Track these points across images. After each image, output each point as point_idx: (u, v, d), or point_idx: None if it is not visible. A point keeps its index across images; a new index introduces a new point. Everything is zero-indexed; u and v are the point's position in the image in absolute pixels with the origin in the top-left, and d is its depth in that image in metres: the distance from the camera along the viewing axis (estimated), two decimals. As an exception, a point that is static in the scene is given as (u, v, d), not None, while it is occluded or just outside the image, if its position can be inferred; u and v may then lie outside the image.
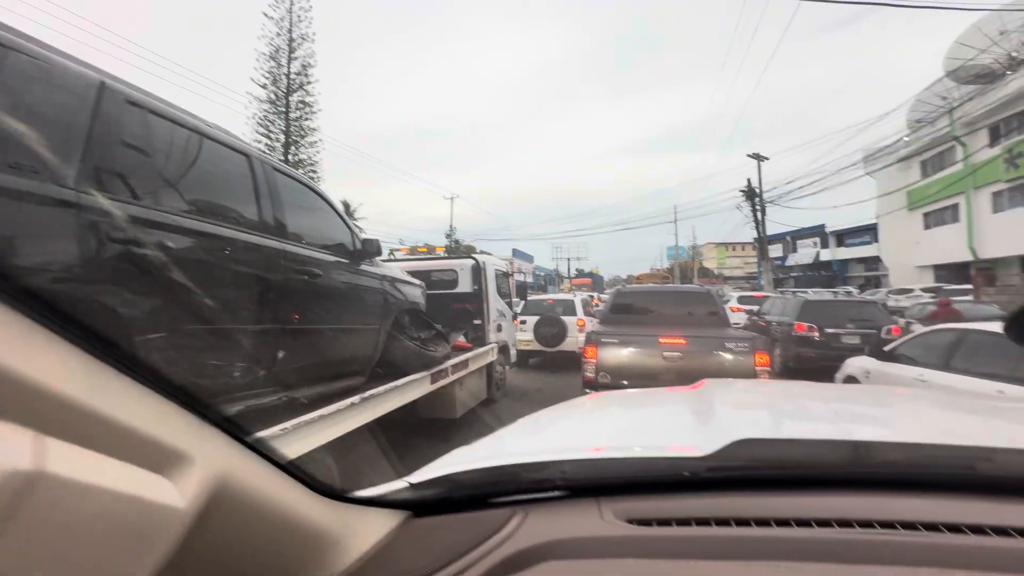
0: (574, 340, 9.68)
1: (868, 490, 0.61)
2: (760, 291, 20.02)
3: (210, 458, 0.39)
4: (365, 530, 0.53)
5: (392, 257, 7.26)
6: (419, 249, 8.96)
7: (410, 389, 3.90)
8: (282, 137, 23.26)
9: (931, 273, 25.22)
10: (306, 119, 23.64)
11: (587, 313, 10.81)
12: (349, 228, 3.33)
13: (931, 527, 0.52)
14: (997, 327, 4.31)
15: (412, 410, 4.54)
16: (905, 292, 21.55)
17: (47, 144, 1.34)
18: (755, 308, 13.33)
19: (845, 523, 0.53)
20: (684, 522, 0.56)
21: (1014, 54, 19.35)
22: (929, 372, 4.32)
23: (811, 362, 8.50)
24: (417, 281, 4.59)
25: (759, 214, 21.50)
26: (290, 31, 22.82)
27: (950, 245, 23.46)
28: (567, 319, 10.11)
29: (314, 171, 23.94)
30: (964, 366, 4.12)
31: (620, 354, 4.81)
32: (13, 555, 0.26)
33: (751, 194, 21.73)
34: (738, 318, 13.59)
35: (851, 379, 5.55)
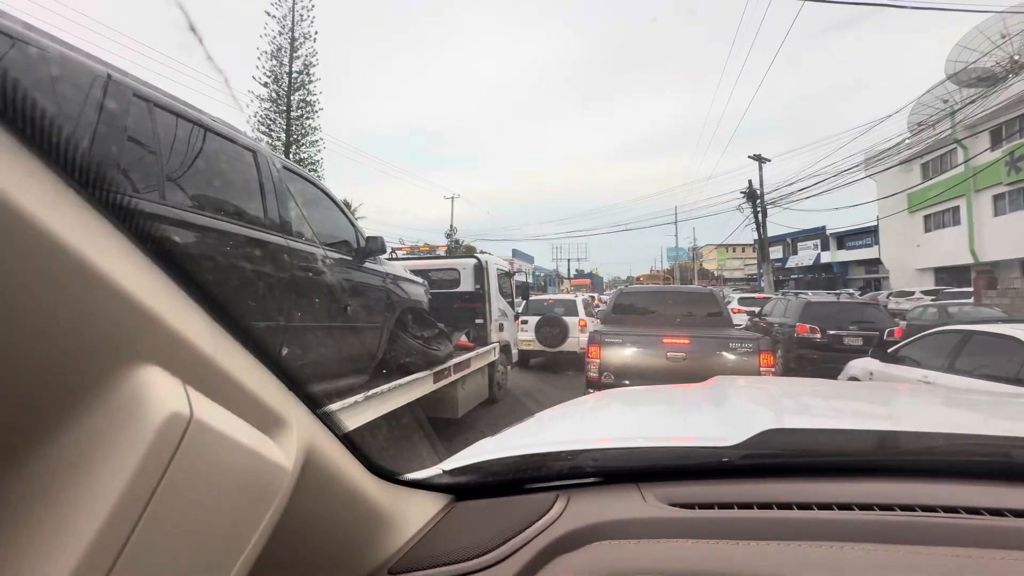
0: (575, 340, 9.67)
1: (902, 478, 0.61)
2: (760, 292, 20.01)
3: (301, 425, 0.42)
4: (416, 512, 0.55)
5: (395, 256, 7.24)
6: (421, 248, 8.94)
7: (413, 388, 3.88)
8: (283, 136, 23.24)
9: (932, 276, 25.24)
10: (307, 118, 23.64)
11: (588, 314, 10.80)
12: (354, 226, 3.31)
13: (973, 511, 0.52)
14: (1001, 328, 4.30)
15: (413, 409, 4.55)
16: (906, 295, 21.56)
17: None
18: (756, 309, 13.33)
19: (887, 507, 0.54)
20: (726, 506, 0.57)
21: (1016, 57, 19.37)
22: (933, 374, 4.31)
23: (813, 363, 8.49)
24: (420, 280, 4.58)
25: (760, 216, 21.50)
26: (292, 30, 22.80)
27: (951, 248, 23.47)
28: (569, 319, 10.09)
29: (315, 170, 23.93)
30: (969, 368, 4.11)
31: (624, 354, 4.79)
32: (171, 496, 0.28)
33: (752, 196, 21.73)
34: (739, 319, 13.61)
35: (854, 380, 5.54)
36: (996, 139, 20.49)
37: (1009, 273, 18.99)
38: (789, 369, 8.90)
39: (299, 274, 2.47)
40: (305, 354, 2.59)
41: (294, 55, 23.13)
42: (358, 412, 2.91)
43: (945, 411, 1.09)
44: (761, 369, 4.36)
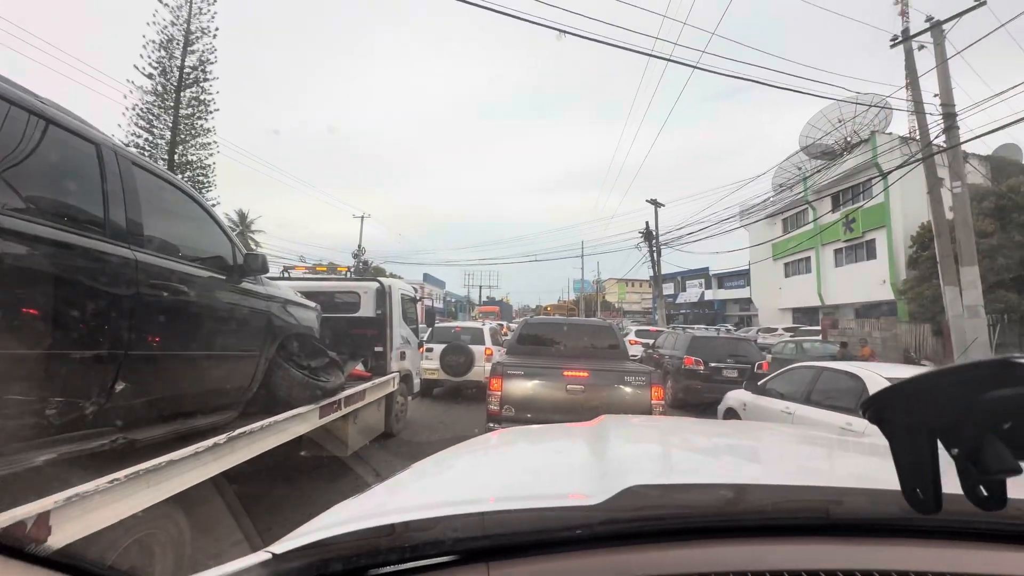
0: (481, 369, 9.53)
1: (745, 537, 0.62)
2: (655, 326, 21.61)
3: None
4: None
5: (285, 276, 6.62)
6: (318, 268, 8.31)
7: (294, 424, 3.47)
8: (168, 134, 20.79)
9: (791, 315, 29.19)
10: (199, 118, 21.45)
11: (496, 342, 10.76)
12: (230, 240, 2.92)
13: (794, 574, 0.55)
14: (844, 366, 4.99)
15: (296, 448, 4.06)
16: (771, 331, 24.63)
17: None
18: (651, 341, 14.31)
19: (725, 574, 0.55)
20: None
21: (847, 139, 23.71)
22: (793, 405, 4.85)
23: (698, 394, 9.22)
24: (311, 303, 4.19)
25: (655, 254, 23.45)
26: (188, 22, 20.81)
27: (804, 292, 27.46)
28: (475, 348, 9.96)
29: (205, 175, 21.65)
30: (820, 399, 4.68)
31: (525, 387, 4.76)
32: None
33: (648, 236, 23.70)
34: (636, 350, 14.50)
35: (731, 411, 6.06)
36: (836, 203, 24.68)
37: (846, 315, 22.61)
38: (678, 399, 9.58)
39: (146, 293, 2.07)
40: (148, 388, 2.16)
41: (189, 49, 21.06)
42: (214, 460, 2.49)
43: (788, 459, 1.15)
44: (653, 403, 4.57)
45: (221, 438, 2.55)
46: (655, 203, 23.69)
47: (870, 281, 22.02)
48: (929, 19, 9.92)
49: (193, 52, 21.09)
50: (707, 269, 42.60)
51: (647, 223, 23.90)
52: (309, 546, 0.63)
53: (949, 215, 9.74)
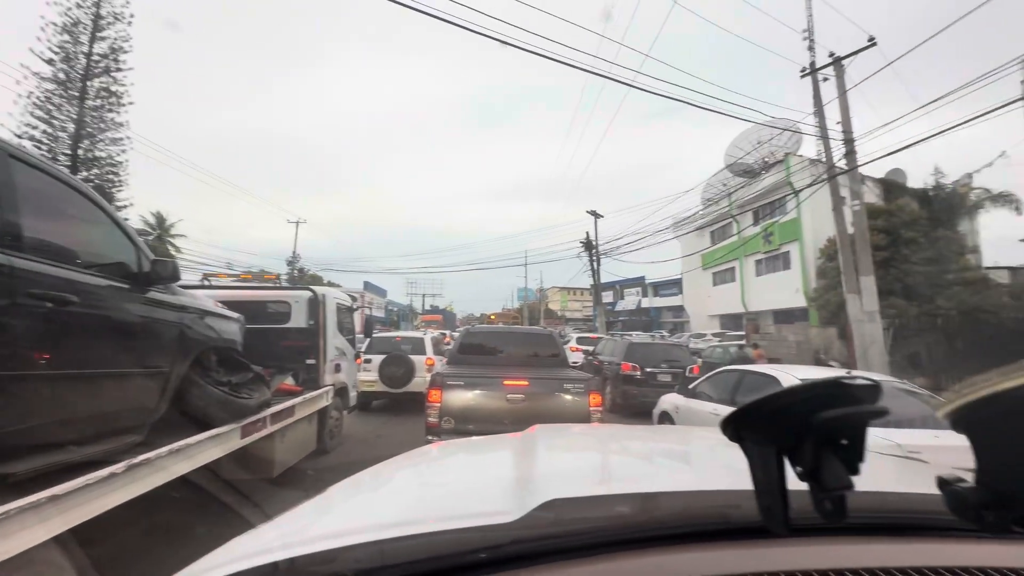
0: (422, 380, 9.30)
1: (656, 546, 0.63)
2: (595, 333, 22.22)
3: None
4: None
5: (205, 283, 6.12)
6: (243, 276, 7.78)
7: (211, 446, 3.18)
8: (71, 127, 18.74)
9: (718, 321, 31.15)
10: (110, 111, 19.53)
11: (437, 352, 10.56)
12: (134, 244, 2.64)
13: None
14: (765, 368, 5.36)
15: (215, 471, 3.73)
16: (701, 336, 26.13)
17: None
18: (591, 348, 14.68)
19: None
20: None
21: (766, 159, 25.85)
22: (721, 407, 5.13)
23: (635, 398, 9.54)
24: (234, 314, 3.89)
25: (595, 264, 24.20)
26: (97, 5, 18.96)
27: (730, 299, 29.43)
28: (415, 358, 9.71)
29: (115, 173, 19.72)
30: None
31: (464, 397, 4.69)
32: None
33: (588, 246, 24.44)
34: (577, 357, 14.81)
35: (665, 414, 6.32)
36: (756, 217, 26.76)
37: (766, 320, 24.48)
38: (617, 404, 9.87)
39: (22, 303, 1.81)
40: (23, 413, 1.88)
41: (98, 35, 19.18)
42: (110, 491, 2.22)
43: (706, 464, 1.20)
44: (591, 408, 4.66)
45: (119, 466, 2.27)
46: (595, 214, 24.50)
47: (786, 289, 24.00)
48: (831, 55, 11.07)
49: (103, 38, 19.25)
50: (644, 278, 44.59)
51: (587, 233, 24.66)
52: None
53: (851, 230, 10.84)
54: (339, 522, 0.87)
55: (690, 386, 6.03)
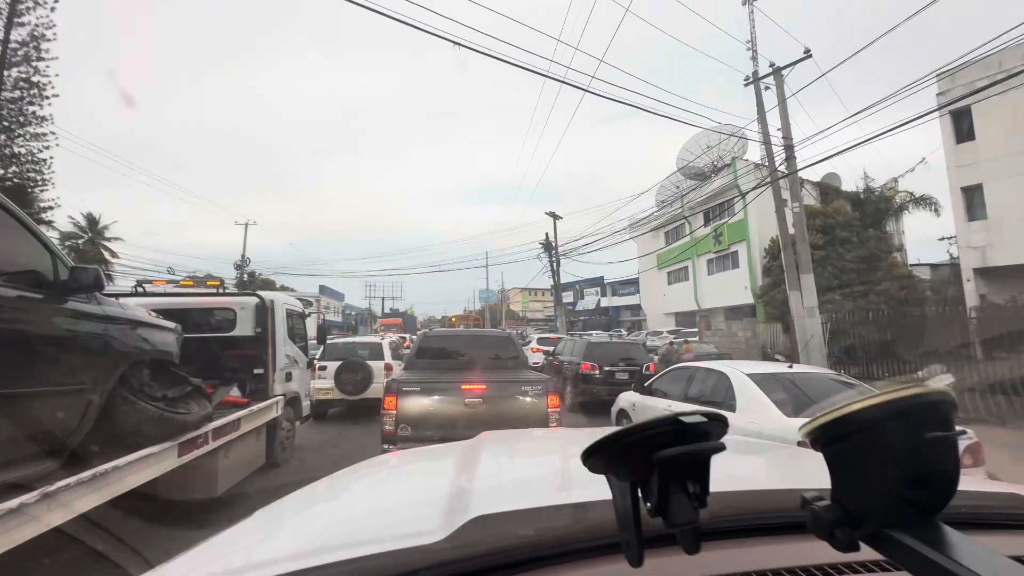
0: (380, 386, 9.08)
1: (587, 558, 0.63)
2: (556, 333, 22.46)
3: None
4: None
5: (138, 290, 5.71)
6: (183, 282, 7.33)
7: (143, 467, 2.96)
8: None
9: (674, 319, 32.24)
10: (31, 103, 17.94)
11: (396, 356, 10.34)
12: (49, 250, 2.41)
13: None
14: (715, 365, 5.56)
15: (152, 492, 3.47)
16: (657, 334, 26.95)
17: None
18: (551, 348, 14.81)
19: None
20: None
21: (715, 163, 27.02)
22: (675, 403, 5.28)
23: (594, 396, 9.69)
24: (169, 324, 3.64)
25: (554, 265, 24.48)
26: (13, -12, 17.37)
27: (684, 298, 30.53)
28: (373, 364, 9.47)
29: (38, 170, 18.15)
30: (696, 396, 5.17)
31: (421, 403, 4.60)
32: None
33: (548, 247, 24.68)
34: (537, 358, 14.91)
35: (623, 412, 6.44)
36: (707, 218, 27.91)
37: (717, 317, 25.55)
38: (577, 403, 9.99)
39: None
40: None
41: (16, 19, 17.57)
42: (24, 522, 2.01)
43: None
44: (549, 410, 4.68)
45: (31, 495, 2.07)
46: (553, 215, 24.78)
47: (735, 287, 25.16)
48: (772, 65, 11.70)
49: (22, 24, 17.66)
50: (602, 278, 45.52)
51: (547, 234, 24.91)
52: None
53: (792, 230, 11.48)
54: (262, 549, 0.83)
55: (646, 384, 6.18)
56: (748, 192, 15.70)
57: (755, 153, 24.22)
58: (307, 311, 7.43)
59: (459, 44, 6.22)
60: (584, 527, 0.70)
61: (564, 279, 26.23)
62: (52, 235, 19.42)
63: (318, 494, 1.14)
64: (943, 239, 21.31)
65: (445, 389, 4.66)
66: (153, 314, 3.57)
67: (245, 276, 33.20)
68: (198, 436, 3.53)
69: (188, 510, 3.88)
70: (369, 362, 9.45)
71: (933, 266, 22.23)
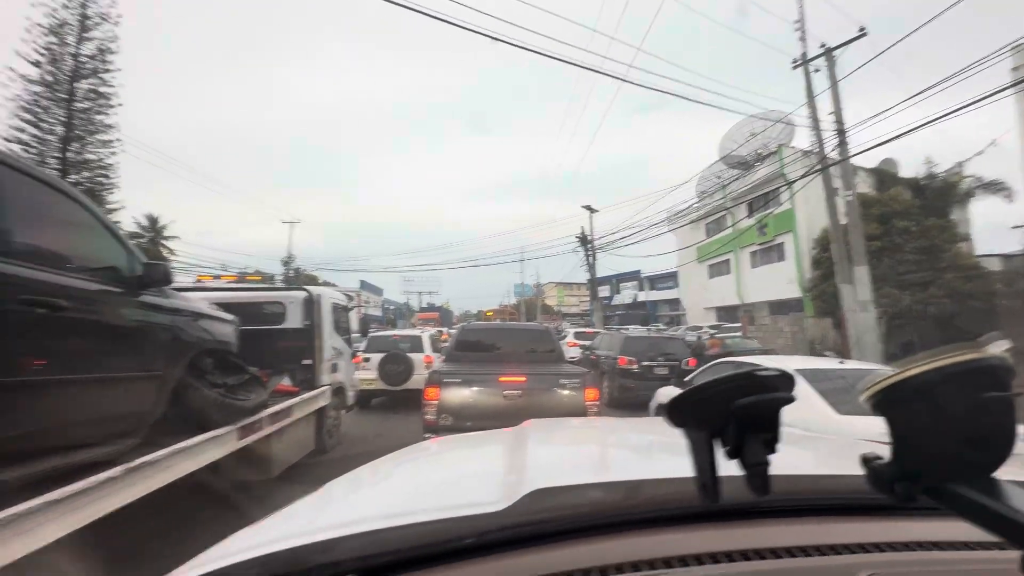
0: (421, 378, 9.33)
1: (640, 528, 0.68)
2: (592, 328, 22.28)
3: None
4: None
5: (198, 285, 6.10)
6: (223, 277, 7.75)
7: (208, 448, 3.19)
8: (60, 130, 18.56)
9: (714, 313, 31.28)
10: (99, 113, 19.35)
11: (435, 349, 10.59)
12: (126, 248, 2.64)
13: (683, 560, 0.62)
14: (759, 360, 5.40)
15: (216, 471, 3.74)
16: (696, 329, 26.24)
17: None
18: (588, 343, 14.73)
19: (620, 568, 0.61)
20: None
21: (759, 151, 25.89)
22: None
23: (632, 392, 9.59)
24: (228, 316, 3.89)
25: (590, 258, 24.23)
26: (83, 5, 18.75)
27: (726, 292, 29.55)
28: (414, 356, 9.74)
29: (106, 175, 19.58)
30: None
31: (462, 394, 4.71)
32: None
33: (584, 240, 24.45)
34: (574, 352, 14.87)
35: (662, 407, 6.37)
36: (751, 209, 26.83)
37: (761, 312, 24.60)
38: (614, 398, 9.91)
39: (18, 309, 1.81)
40: (17, 419, 1.89)
41: (85, 36, 18.97)
42: (109, 494, 2.23)
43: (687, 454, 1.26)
44: (587, 403, 4.69)
45: (117, 470, 2.28)
46: (589, 209, 24.50)
47: (781, 280, 24.11)
48: (823, 46, 11.09)
49: (89, 39, 19.04)
50: (639, 272, 44.64)
51: (582, 228, 24.67)
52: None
53: (844, 220, 10.89)
54: (336, 515, 0.90)
55: (685, 379, 6.08)
56: (795, 181, 14.98)
57: (803, 140, 23.02)
58: (351, 305, 7.72)
59: (496, 39, 6.26)
60: (640, 501, 0.74)
61: (600, 273, 25.95)
62: (119, 235, 20.94)
63: (378, 471, 1.22)
64: (1016, 227, 19.61)
65: (485, 381, 4.76)
66: (214, 307, 3.82)
67: (291, 272, 34.70)
68: (256, 421, 3.77)
69: (247, 489, 4.15)
70: (410, 354, 9.72)
71: (1005, 256, 20.50)
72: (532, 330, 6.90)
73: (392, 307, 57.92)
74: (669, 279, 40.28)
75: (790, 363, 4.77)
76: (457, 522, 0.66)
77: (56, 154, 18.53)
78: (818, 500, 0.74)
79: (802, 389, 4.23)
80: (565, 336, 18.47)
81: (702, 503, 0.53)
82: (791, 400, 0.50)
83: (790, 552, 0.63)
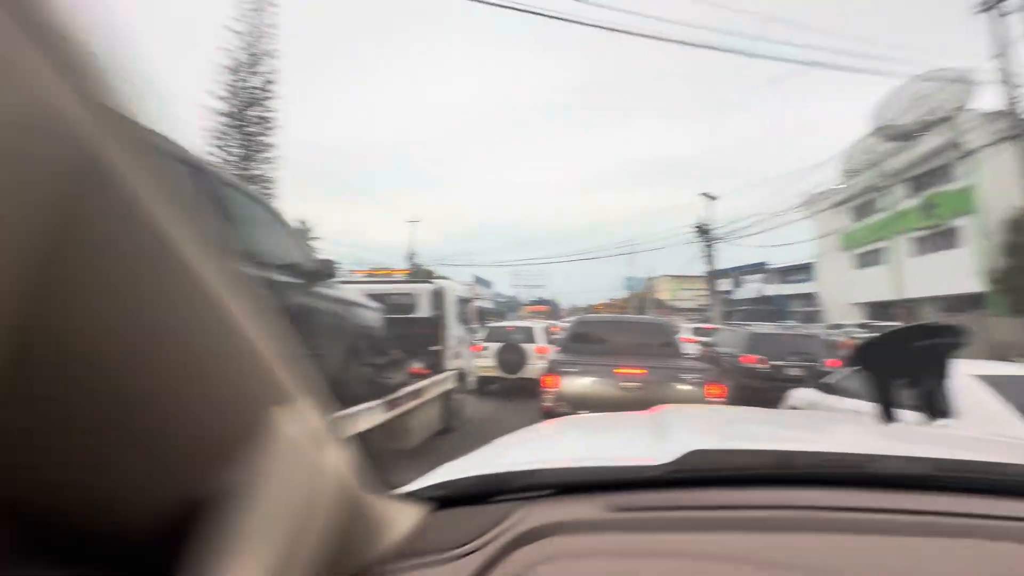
0: (533, 367, 9.67)
1: (800, 486, 0.74)
2: (709, 323, 20.84)
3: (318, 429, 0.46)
4: (401, 518, 0.66)
5: (350, 278, 7.04)
6: (375, 272, 8.77)
7: (363, 418, 3.73)
8: (237, 151, 22.49)
9: (861, 310, 27.17)
10: (263, 135, 23.06)
11: (547, 341, 10.87)
12: (304, 247, 3.21)
13: (844, 509, 0.67)
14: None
15: (361, 441, 4.35)
16: (839, 327, 23.04)
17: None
18: (707, 339, 13.85)
19: (785, 507, 0.69)
20: (660, 508, 0.70)
21: (925, 119, 21.74)
22: (862, 404, 4.58)
23: (758, 392, 8.83)
24: (374, 304, 4.46)
25: (709, 250, 22.59)
26: (254, 47, 22.41)
27: (878, 285, 25.45)
28: (527, 346, 10.12)
29: (268, 187, 23.25)
30: (899, 399, 4.41)
31: (579, 383, 4.82)
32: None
33: (702, 231, 22.87)
34: (692, 348, 14.09)
35: (794, 408, 5.80)
36: (914, 187, 22.71)
37: (924, 309, 20.77)
38: (735, 399, 9.22)
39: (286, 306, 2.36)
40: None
41: (253, 71, 22.68)
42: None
43: (836, 434, 1.30)
44: (707, 399, 4.49)
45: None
46: (707, 196, 22.84)
47: (955, 271, 20.09)
48: (1020, -19, 8.99)
49: (257, 74, 22.69)
50: (763, 264, 40.46)
51: (700, 217, 23.08)
52: (448, 482, 0.81)
53: (1049, 196, 8.76)
54: (517, 457, 1.08)
55: (830, 381, 5.46)
56: (977, 150, 12.37)
57: (985, 102, 18.82)
58: (471, 297, 8.29)
59: (614, 30, 6.19)
60: (797, 464, 0.79)
61: (720, 265, 24.06)
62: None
63: (531, 434, 1.39)
64: None
65: (603, 372, 4.82)
66: (364, 297, 4.42)
67: (415, 267, 37.98)
68: (398, 397, 4.29)
69: (389, 458, 4.75)
70: (523, 345, 10.12)
71: None
72: (649, 323, 6.76)
73: (502, 300, 60.01)
74: (801, 271, 35.89)
75: (968, 365, 4.06)
76: (625, 470, 0.78)
77: (234, 171, 22.52)
78: (994, 479, 0.73)
79: (983, 398, 3.59)
80: (679, 332, 17.55)
81: (881, 423, 0.57)
82: (963, 344, 0.54)
83: (956, 516, 0.65)
